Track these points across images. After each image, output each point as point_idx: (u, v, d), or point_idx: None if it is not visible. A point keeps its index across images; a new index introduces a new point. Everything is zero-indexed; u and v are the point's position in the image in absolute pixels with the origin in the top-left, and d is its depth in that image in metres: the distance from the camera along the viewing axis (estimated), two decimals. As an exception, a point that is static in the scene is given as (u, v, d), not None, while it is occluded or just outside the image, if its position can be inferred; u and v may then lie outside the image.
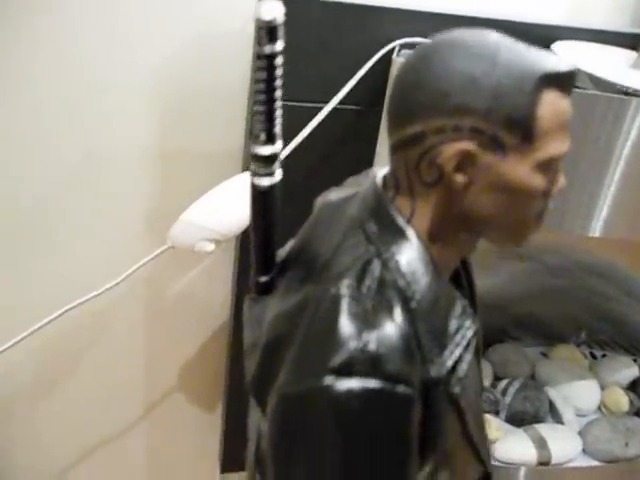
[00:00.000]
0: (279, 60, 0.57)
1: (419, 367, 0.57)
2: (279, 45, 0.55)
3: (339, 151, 1.16)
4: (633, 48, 1.19)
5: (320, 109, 1.10)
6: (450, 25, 1.11)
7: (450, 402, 0.60)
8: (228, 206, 1.04)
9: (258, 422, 0.69)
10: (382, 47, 1.08)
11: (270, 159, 0.61)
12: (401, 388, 0.54)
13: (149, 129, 1.17)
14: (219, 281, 1.34)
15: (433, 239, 0.63)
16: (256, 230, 0.67)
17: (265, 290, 0.69)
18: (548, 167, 0.60)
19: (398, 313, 0.57)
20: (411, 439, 0.56)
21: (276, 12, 0.54)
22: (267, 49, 0.55)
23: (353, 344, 0.55)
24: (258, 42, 0.55)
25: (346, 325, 0.56)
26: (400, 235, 0.62)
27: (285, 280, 0.68)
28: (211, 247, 1.05)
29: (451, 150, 0.58)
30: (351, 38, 1.10)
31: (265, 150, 0.60)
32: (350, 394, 0.54)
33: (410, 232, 0.62)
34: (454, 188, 0.60)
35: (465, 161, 0.58)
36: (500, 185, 0.59)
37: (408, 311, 0.58)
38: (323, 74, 1.11)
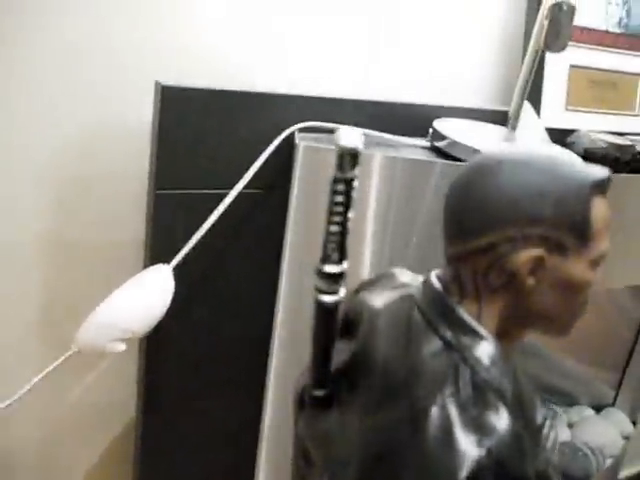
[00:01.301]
0: (356, 184, 0.60)
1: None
2: (357, 170, 0.59)
3: (246, 234, 1.16)
4: (502, 124, 1.31)
5: (223, 195, 1.09)
6: (341, 108, 1.19)
7: None
8: (139, 303, 0.99)
9: None
10: (280, 132, 1.11)
11: (338, 277, 0.63)
12: None
13: (41, 223, 1.11)
14: (121, 382, 1.26)
15: (499, 338, 0.66)
16: (316, 345, 0.68)
17: (324, 404, 0.70)
18: (598, 263, 0.66)
19: (503, 412, 0.59)
20: None
21: (358, 140, 0.58)
22: (348, 175, 0.59)
23: (477, 454, 0.55)
24: (339, 168, 0.59)
25: (464, 435, 0.57)
26: (477, 337, 0.65)
27: (357, 392, 0.67)
28: (122, 347, 0.99)
29: (524, 257, 0.63)
30: (248, 125, 1.11)
31: (335, 269, 0.63)
32: None
33: (485, 333, 0.65)
34: (522, 291, 0.64)
35: (536, 266, 0.63)
36: (562, 283, 0.65)
37: (509, 409, 0.60)
38: (224, 162, 1.11)
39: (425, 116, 1.26)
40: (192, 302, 1.13)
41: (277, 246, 1.14)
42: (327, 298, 0.65)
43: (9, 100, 1.04)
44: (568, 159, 0.67)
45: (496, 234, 0.64)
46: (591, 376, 1.90)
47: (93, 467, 1.30)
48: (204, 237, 1.09)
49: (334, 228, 0.62)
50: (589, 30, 1.45)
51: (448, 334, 0.65)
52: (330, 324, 0.67)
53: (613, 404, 1.90)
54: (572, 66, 1.44)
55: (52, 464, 1.26)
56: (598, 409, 1.87)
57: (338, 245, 0.62)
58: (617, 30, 1.49)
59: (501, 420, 0.59)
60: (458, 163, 1.14)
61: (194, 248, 1.08)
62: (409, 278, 0.79)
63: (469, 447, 0.56)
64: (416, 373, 0.64)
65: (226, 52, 1.17)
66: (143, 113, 1.10)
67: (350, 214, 0.62)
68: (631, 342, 1.88)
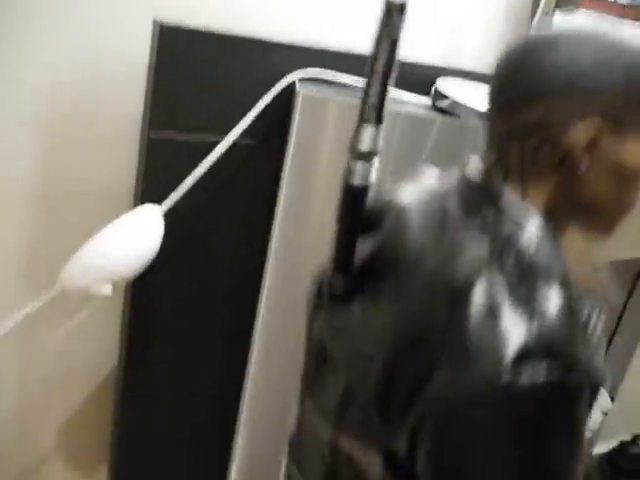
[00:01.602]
0: (400, 45, 0.58)
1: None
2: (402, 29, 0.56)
3: (239, 185, 1.13)
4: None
5: (219, 142, 1.07)
6: (345, 61, 1.16)
7: (591, 392, 0.56)
8: (127, 244, 0.97)
9: (329, 446, 0.64)
10: (277, 81, 1.08)
11: (370, 155, 0.60)
12: (576, 374, 0.52)
13: (33, 161, 1.08)
14: (104, 333, 1.24)
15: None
16: (343, 227, 0.64)
17: (345, 298, 0.65)
18: None
19: (554, 294, 0.54)
20: (583, 423, 0.54)
21: None
22: (394, 34, 0.56)
23: (526, 334, 0.51)
24: (384, 24, 0.56)
25: (512, 314, 0.52)
26: (523, 218, 0.59)
27: (384, 282, 0.63)
28: (108, 289, 0.97)
29: (580, 133, 0.58)
30: (247, 72, 1.09)
31: (367, 145, 0.59)
32: (532, 386, 0.50)
33: (533, 214, 0.59)
34: (573, 172, 0.59)
35: (592, 144, 0.58)
36: (617, 168, 0.60)
37: (559, 291, 0.55)
38: (220, 108, 1.08)
39: (429, 76, 1.24)
40: (181, 250, 1.11)
41: (271, 198, 1.12)
42: (358, 177, 0.61)
43: (5, 37, 1.01)
44: (635, 34, 0.61)
45: (550, 106, 0.58)
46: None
47: (71, 413, 1.29)
48: (196, 184, 1.06)
49: (374, 88, 0.58)
50: (598, 0, 1.43)
51: (490, 216, 0.59)
52: (359, 207, 0.63)
53: (594, 380, 1.91)
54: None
55: (29, 407, 1.25)
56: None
57: (377, 106, 0.58)
58: (625, 1, 1.47)
59: (552, 301, 0.53)
60: (457, 120, 1.13)
61: (185, 194, 1.06)
62: (442, 178, 0.72)
63: (518, 326, 0.51)
64: (454, 257, 0.57)
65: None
66: (141, 53, 1.06)
67: (392, 76, 0.59)
68: (613, 321, 1.89)
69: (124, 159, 1.13)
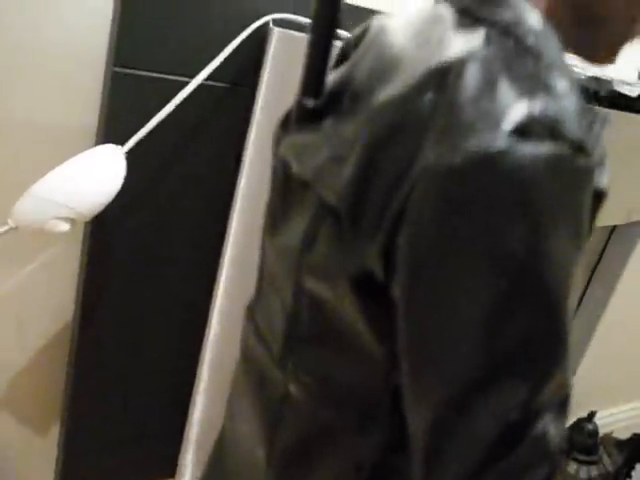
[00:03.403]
0: None
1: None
2: None
3: (207, 129, 1.09)
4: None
5: (186, 84, 1.02)
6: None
7: (594, 200, 0.49)
8: (86, 181, 0.93)
9: (291, 293, 0.56)
10: (251, 22, 1.04)
11: None
12: (584, 156, 0.44)
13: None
14: (61, 278, 1.19)
15: None
16: (315, 34, 0.56)
17: (316, 115, 0.57)
18: None
19: (562, 77, 0.46)
20: (586, 214, 0.46)
21: None
22: None
23: (529, 103, 0.43)
24: None
25: (512, 85, 0.44)
26: (521, 12, 0.51)
27: (361, 97, 0.55)
28: (65, 227, 0.93)
29: None
30: (220, 11, 1.04)
31: None
32: (532, 158, 0.42)
33: (532, 8, 0.51)
34: None
35: None
36: None
37: (567, 79, 0.47)
38: (191, 47, 1.04)
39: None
40: (144, 192, 1.07)
41: (239, 143, 1.09)
42: None
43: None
44: None
45: None
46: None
47: (24, 361, 1.23)
48: (161, 125, 1.02)
49: None
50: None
51: (484, 11, 0.51)
52: (332, 12, 0.55)
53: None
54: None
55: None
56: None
57: None
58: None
59: (561, 81, 0.46)
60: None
61: (150, 135, 1.01)
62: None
63: (518, 97, 0.44)
64: (442, 45, 0.50)
65: None
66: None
67: None
68: (577, 296, 1.91)
69: (87, 95, 1.08)
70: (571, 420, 2.24)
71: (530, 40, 0.49)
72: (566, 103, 0.45)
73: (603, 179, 0.49)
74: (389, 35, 0.59)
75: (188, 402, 1.23)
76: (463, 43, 0.49)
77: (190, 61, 1.03)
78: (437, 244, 0.45)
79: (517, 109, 0.44)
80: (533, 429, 0.45)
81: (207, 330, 1.17)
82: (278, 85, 1.04)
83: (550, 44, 0.50)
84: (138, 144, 1.01)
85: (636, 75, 1.47)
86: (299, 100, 0.59)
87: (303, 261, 0.55)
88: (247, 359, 0.68)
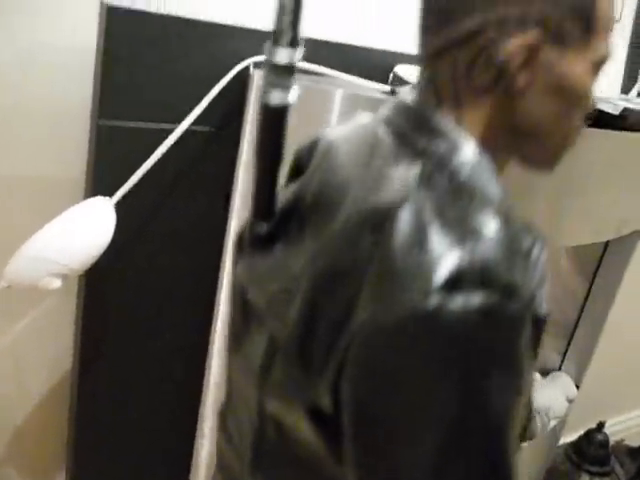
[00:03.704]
0: None
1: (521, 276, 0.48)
2: None
3: (194, 173, 1.10)
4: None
5: (172, 131, 1.03)
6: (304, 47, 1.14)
7: (535, 328, 0.51)
8: (77, 236, 0.93)
9: (256, 410, 0.57)
10: (232, 66, 1.05)
11: (289, 70, 0.53)
12: (515, 301, 0.45)
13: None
14: (58, 330, 1.19)
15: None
16: (262, 160, 0.57)
17: (268, 240, 0.59)
18: (597, 69, 0.57)
19: (491, 217, 0.48)
20: (523, 356, 0.47)
21: None
22: None
23: (457, 254, 0.45)
24: None
25: (441, 236, 0.46)
26: (457, 143, 0.54)
27: (308, 222, 0.57)
28: (58, 283, 0.93)
29: (516, 44, 0.52)
30: (200, 57, 1.05)
31: (283, 57, 0.53)
32: (463, 312, 0.43)
33: (467, 138, 0.54)
34: (511, 91, 0.54)
35: (530, 57, 0.53)
36: (558, 85, 0.55)
37: (497, 215, 0.49)
38: (173, 94, 1.05)
39: (386, 62, 1.22)
40: (134, 241, 1.08)
41: (227, 186, 1.09)
42: (274, 96, 0.54)
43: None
44: None
45: (486, 13, 0.52)
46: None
47: (26, 415, 1.24)
48: (149, 174, 1.03)
49: (287, 1, 0.51)
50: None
51: (421, 142, 0.54)
52: (278, 132, 0.56)
53: (559, 368, 1.92)
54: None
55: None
56: (545, 374, 1.89)
57: (293, 20, 0.52)
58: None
59: (489, 224, 0.48)
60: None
61: (138, 185, 1.02)
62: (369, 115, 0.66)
63: (448, 247, 0.45)
64: (379, 184, 0.52)
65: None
66: (88, 38, 1.02)
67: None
68: (577, 308, 1.91)
69: (75, 150, 1.09)
70: (581, 431, 2.23)
71: (464, 174, 0.52)
72: (496, 246, 0.47)
73: (542, 305, 0.51)
74: (334, 158, 0.60)
75: (191, 446, 1.23)
76: (399, 183, 0.51)
77: (174, 108, 1.04)
78: (374, 397, 0.46)
79: (447, 261, 0.45)
80: None
81: (206, 374, 1.17)
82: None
83: (484, 175, 0.53)
84: (127, 194, 1.02)
85: (617, 92, 1.48)
86: (251, 224, 0.61)
87: (264, 383, 0.56)
88: (222, 467, 0.69)
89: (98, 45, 1.00)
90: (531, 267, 0.50)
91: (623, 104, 1.25)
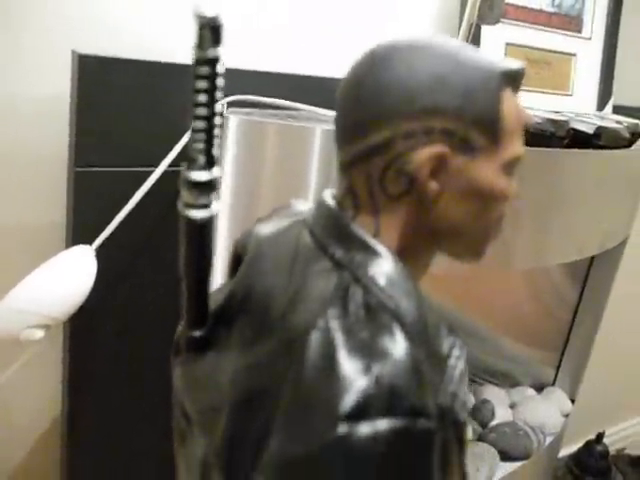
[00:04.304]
0: (221, 67, 0.51)
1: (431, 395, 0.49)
2: (222, 49, 0.50)
3: (174, 215, 1.09)
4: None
5: (149, 173, 1.04)
6: (272, 83, 1.15)
7: (455, 434, 0.53)
8: (58, 286, 0.93)
9: None
10: (208, 107, 1.06)
11: (208, 186, 0.53)
12: (423, 421, 0.46)
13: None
14: (44, 378, 1.19)
15: (401, 258, 0.57)
16: (189, 273, 0.57)
17: (200, 346, 0.60)
18: (511, 168, 0.58)
19: (400, 336, 0.49)
20: (435, 473, 0.48)
21: (219, 9, 0.48)
22: (210, 53, 0.49)
23: (363, 381, 0.46)
24: (199, 45, 0.49)
25: (349, 361, 0.47)
26: (372, 254, 0.55)
27: (235, 330, 0.58)
28: (40, 334, 0.93)
29: (424, 155, 0.54)
30: (174, 98, 1.06)
31: (202, 176, 0.52)
32: (371, 439, 0.44)
33: (382, 249, 0.55)
34: (424, 198, 0.56)
35: (438, 166, 0.55)
36: (470, 189, 0.56)
37: (407, 333, 0.50)
38: (150, 138, 1.06)
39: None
40: (117, 285, 1.08)
41: (207, 226, 1.10)
42: (196, 213, 0.54)
43: None
44: (473, 48, 0.58)
45: (392, 127, 0.54)
46: (531, 357, 1.92)
47: (15, 467, 1.22)
48: (128, 217, 1.03)
49: (199, 124, 0.51)
50: (524, 8, 1.45)
51: (339, 252, 0.55)
52: (203, 245, 0.56)
53: (553, 383, 1.92)
54: (508, 44, 1.44)
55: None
56: (540, 389, 1.89)
57: (205, 146, 0.52)
58: (551, 9, 1.49)
59: (397, 345, 0.49)
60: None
61: (118, 229, 1.02)
62: (306, 207, 0.68)
63: (354, 374, 0.46)
64: (297, 298, 0.53)
65: (142, 23, 1.11)
66: (60, 85, 1.03)
67: (218, 107, 0.53)
68: (569, 322, 1.91)
69: (53, 197, 1.09)
70: (580, 443, 2.22)
71: (378, 288, 0.53)
72: (403, 369, 0.48)
73: (461, 411, 0.53)
74: (261, 262, 0.62)
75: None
76: (314, 299, 0.52)
77: (151, 151, 1.05)
78: None
79: (354, 389, 0.46)
80: None
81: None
82: (241, 166, 1.05)
83: (400, 286, 0.53)
84: (108, 237, 1.02)
85: (593, 109, 1.50)
86: (185, 331, 0.61)
87: None
88: None
89: (72, 93, 1.01)
90: (448, 374, 0.52)
91: (598, 122, 1.27)
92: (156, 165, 1.04)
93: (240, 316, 0.59)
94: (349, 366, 0.47)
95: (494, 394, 1.74)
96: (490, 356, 1.86)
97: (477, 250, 0.62)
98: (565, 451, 2.20)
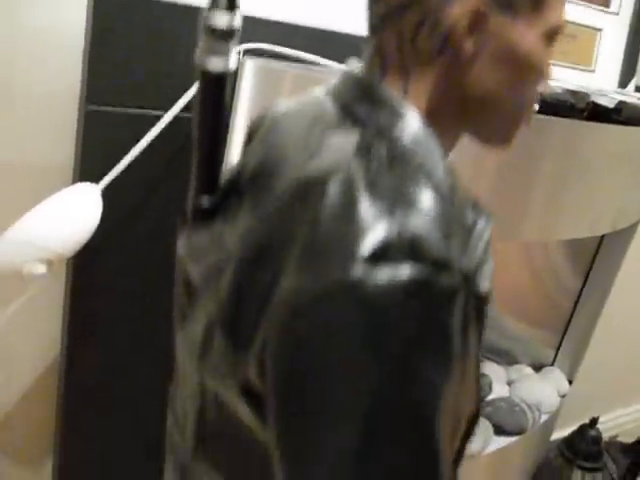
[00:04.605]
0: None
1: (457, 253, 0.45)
2: None
3: (183, 160, 1.08)
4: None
5: (160, 117, 1.02)
6: (288, 33, 1.12)
7: (475, 308, 0.48)
8: (63, 221, 0.92)
9: (198, 389, 0.55)
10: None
11: (227, 34, 0.51)
12: (446, 276, 0.43)
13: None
14: (46, 314, 1.19)
15: (428, 124, 0.53)
16: (201, 134, 0.55)
17: (209, 214, 0.58)
18: (552, 40, 0.55)
19: (427, 188, 0.46)
20: (455, 334, 0.44)
21: None
22: None
23: (385, 224, 0.42)
24: None
25: (370, 205, 0.43)
26: (398, 114, 0.51)
27: (246, 197, 0.55)
28: (43, 269, 0.92)
29: (461, 10, 0.49)
30: (192, 42, 1.04)
31: (223, 19, 0.50)
32: (389, 286, 0.41)
33: (409, 111, 0.52)
34: (458, 58, 0.52)
35: (475, 24, 0.51)
36: (507, 54, 0.52)
37: (434, 187, 0.47)
38: (164, 80, 1.04)
39: (356, 46, 1.21)
40: (121, 227, 1.07)
41: (216, 174, 1.08)
42: (213, 62, 0.52)
43: None
44: None
45: None
46: (532, 337, 1.92)
47: (13, 406, 1.23)
48: (137, 160, 1.02)
49: None
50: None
51: (363, 112, 0.52)
52: (217, 103, 0.54)
53: (552, 364, 1.92)
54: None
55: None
56: (538, 369, 1.89)
57: None
58: (580, -20, 1.46)
59: (423, 195, 0.45)
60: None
61: (125, 171, 1.01)
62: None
63: (376, 217, 0.43)
64: (316, 153, 0.50)
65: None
66: (78, 21, 1.01)
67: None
68: (572, 303, 1.90)
69: (63, 134, 1.08)
70: (574, 427, 2.23)
71: (404, 144, 0.49)
72: (429, 218, 0.45)
73: (484, 282, 0.49)
74: (278, 132, 0.59)
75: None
76: (335, 152, 0.49)
77: (163, 94, 1.03)
78: (294, 374, 0.44)
79: (374, 232, 0.43)
80: None
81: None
82: (253, 112, 1.03)
83: (427, 147, 0.50)
84: (114, 180, 1.01)
85: (615, 86, 1.47)
86: (194, 198, 0.59)
87: (203, 360, 0.55)
88: (171, 450, 0.68)
89: (87, 29, 0.99)
90: (472, 244, 0.48)
91: (619, 97, 1.24)
92: (168, 109, 1.02)
93: (252, 183, 0.56)
94: (370, 209, 0.44)
95: (492, 370, 1.74)
96: (491, 334, 1.86)
97: (506, 133, 0.59)
98: (558, 434, 2.21)
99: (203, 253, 0.58)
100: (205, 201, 0.59)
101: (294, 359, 0.44)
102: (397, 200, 0.45)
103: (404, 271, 0.42)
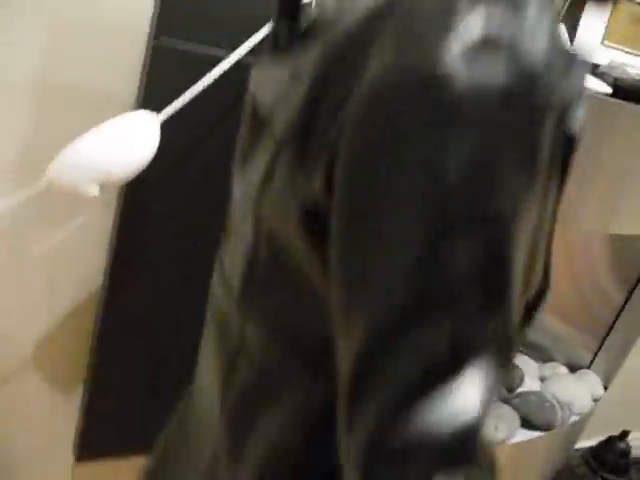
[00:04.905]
0: None
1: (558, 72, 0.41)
2: None
3: (240, 105, 1.09)
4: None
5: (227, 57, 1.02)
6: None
7: (562, 150, 0.44)
8: (119, 146, 0.93)
9: (251, 231, 0.53)
10: None
11: None
12: (543, 92, 0.39)
13: (32, 65, 1.04)
14: (93, 244, 1.21)
15: None
16: None
17: (286, 48, 0.55)
18: None
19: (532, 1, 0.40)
20: (542, 153, 0.41)
21: None
22: None
23: (486, 18, 0.38)
24: None
25: (472, 2, 0.39)
26: None
27: (324, 29, 0.51)
28: (96, 191, 0.93)
29: None
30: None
31: None
32: (482, 86, 0.38)
33: None
34: None
35: None
36: None
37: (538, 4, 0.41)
38: (233, 19, 1.04)
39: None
40: (176, 166, 1.08)
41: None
42: None
43: None
44: None
45: None
46: (570, 337, 1.87)
47: (51, 325, 1.26)
48: (198, 99, 1.02)
49: None
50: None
51: None
52: None
53: (589, 367, 1.87)
54: (615, -1, 1.36)
55: (5, 315, 1.22)
56: (573, 370, 1.85)
57: None
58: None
59: (529, 5, 0.40)
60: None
61: (185, 109, 1.02)
62: None
63: (476, 9, 0.38)
64: None
65: None
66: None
67: None
68: (612, 317, 1.85)
69: (128, 66, 1.09)
70: (602, 438, 2.18)
71: None
72: (535, 28, 0.40)
73: (575, 124, 0.44)
74: None
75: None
76: None
77: (232, 36, 1.03)
78: (373, 166, 0.41)
79: (473, 24, 0.39)
80: (464, 370, 0.39)
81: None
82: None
83: None
84: (173, 117, 1.01)
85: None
86: (274, 29, 0.57)
87: (262, 196, 0.52)
88: (212, 308, 0.67)
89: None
90: (573, 75, 0.43)
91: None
92: (234, 49, 1.02)
93: (332, 12, 0.52)
94: (474, 6, 0.39)
95: (525, 363, 1.71)
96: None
97: None
98: (583, 444, 2.16)
99: (274, 83, 0.55)
100: (285, 29, 0.56)
101: (366, 158, 0.41)
102: (503, 3, 0.40)
103: (500, 69, 0.38)
